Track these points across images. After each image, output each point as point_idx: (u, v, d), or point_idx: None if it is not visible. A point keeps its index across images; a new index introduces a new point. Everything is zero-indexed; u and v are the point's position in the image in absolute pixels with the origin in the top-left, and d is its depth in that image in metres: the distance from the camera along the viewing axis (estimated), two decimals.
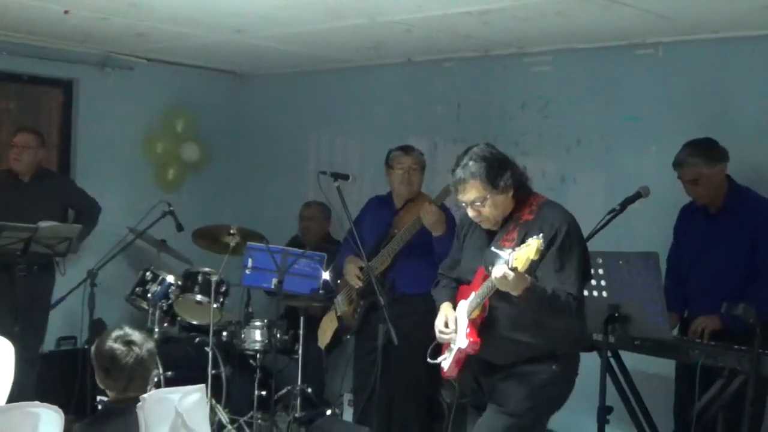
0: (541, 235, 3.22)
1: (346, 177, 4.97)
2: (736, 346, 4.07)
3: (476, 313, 3.54)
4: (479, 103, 6.09)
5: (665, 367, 4.68)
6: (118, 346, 3.30)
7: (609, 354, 4.29)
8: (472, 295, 3.58)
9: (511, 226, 3.56)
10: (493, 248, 3.48)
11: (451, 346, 3.70)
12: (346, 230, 5.30)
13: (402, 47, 6.00)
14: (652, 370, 4.85)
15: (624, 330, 4.20)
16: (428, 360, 3.87)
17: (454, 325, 3.65)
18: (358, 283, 5.14)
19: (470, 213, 3.60)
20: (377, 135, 6.57)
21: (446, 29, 5.29)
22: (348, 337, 5.34)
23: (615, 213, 4.44)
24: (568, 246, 3.46)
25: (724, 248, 4.54)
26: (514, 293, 3.29)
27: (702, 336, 4.42)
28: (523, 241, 3.34)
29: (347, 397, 5.89)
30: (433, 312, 5.22)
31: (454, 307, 3.73)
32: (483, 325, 3.56)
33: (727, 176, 4.58)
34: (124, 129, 7.05)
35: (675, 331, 4.61)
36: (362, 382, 5.24)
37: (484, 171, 3.50)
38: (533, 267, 3.26)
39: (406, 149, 5.26)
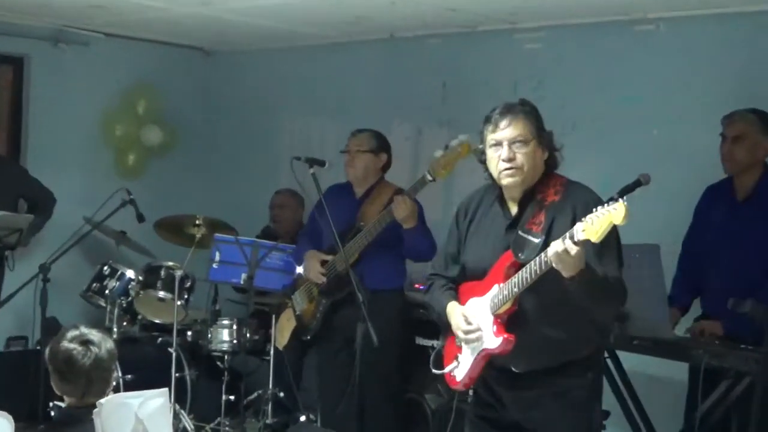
0: (622, 199, 3.03)
1: (322, 163, 4.96)
2: (742, 346, 4.07)
3: (505, 307, 3.36)
4: (466, 83, 6.09)
5: (666, 368, 4.69)
6: (74, 347, 3.25)
7: (606, 354, 4.28)
8: (495, 288, 3.39)
9: (535, 208, 3.40)
10: (521, 233, 3.36)
11: (464, 351, 3.54)
12: (306, 222, 5.27)
13: (384, 22, 5.98)
14: (652, 372, 4.86)
15: (622, 329, 4.19)
16: (433, 370, 3.72)
17: (477, 323, 3.45)
18: (321, 279, 5.11)
19: (503, 154, 3.39)
20: (356, 118, 6.52)
21: (431, 2, 5.28)
22: (308, 337, 5.30)
23: (613, 202, 4.42)
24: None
25: (749, 242, 4.46)
26: (569, 274, 3.12)
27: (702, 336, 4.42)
28: (552, 222, 3.28)
29: None
30: (404, 308, 5.21)
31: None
32: (511, 320, 3.38)
33: (764, 163, 4.53)
34: (79, 110, 7.01)
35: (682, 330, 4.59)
36: (328, 388, 5.24)
37: (535, 113, 3.47)
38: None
39: (356, 132, 5.30)
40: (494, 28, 5.86)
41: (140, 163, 7.35)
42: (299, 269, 5.36)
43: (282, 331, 5.54)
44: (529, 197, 3.45)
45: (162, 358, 5.60)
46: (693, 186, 4.80)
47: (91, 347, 3.26)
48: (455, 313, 3.55)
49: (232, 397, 5.61)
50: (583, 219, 3.06)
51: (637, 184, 4.48)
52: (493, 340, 3.38)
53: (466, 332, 3.47)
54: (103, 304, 5.91)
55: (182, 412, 5.46)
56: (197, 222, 5.60)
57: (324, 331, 5.18)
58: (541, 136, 3.46)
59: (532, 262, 3.23)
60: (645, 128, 5.31)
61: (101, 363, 3.27)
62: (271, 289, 5.54)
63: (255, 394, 5.72)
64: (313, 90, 7.03)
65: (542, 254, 3.19)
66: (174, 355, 5.45)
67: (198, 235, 5.60)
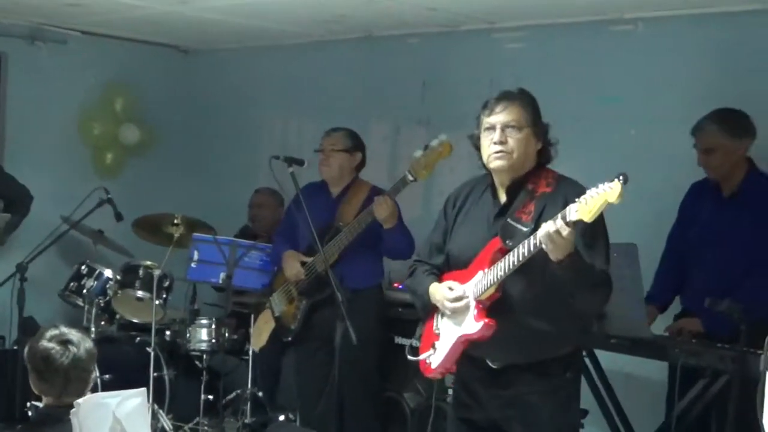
0: (619, 178, 3.00)
1: (300, 162, 4.99)
2: (719, 345, 4.12)
3: (489, 293, 3.33)
4: (445, 82, 6.12)
5: (644, 367, 4.74)
6: (52, 346, 3.27)
7: (584, 353, 4.30)
8: (479, 274, 3.36)
9: (525, 198, 3.41)
10: (509, 220, 3.37)
11: (441, 338, 3.51)
12: (281, 221, 5.28)
13: (362, 20, 6.00)
14: (629, 371, 4.91)
15: (600, 327, 4.22)
16: (408, 357, 3.71)
17: (462, 290, 3.41)
18: (301, 279, 5.13)
19: (495, 137, 3.41)
20: (335, 116, 6.52)
21: (410, 0, 5.30)
22: (289, 339, 5.33)
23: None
24: (597, 220, 3.18)
25: (734, 238, 4.49)
26: (557, 256, 3.12)
27: (679, 335, 4.47)
28: (542, 212, 3.29)
29: None
30: (383, 306, 5.24)
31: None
32: (494, 308, 3.35)
33: (749, 159, 4.56)
34: (57, 109, 7.00)
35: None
36: (307, 388, 5.26)
37: (532, 103, 3.50)
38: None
39: (330, 130, 5.31)
40: (473, 27, 5.89)
41: (118, 162, 7.34)
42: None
43: (260, 334, 5.56)
44: (519, 186, 3.46)
45: (140, 357, 5.61)
46: (671, 186, 4.84)
47: (70, 347, 3.28)
48: (439, 287, 3.53)
49: (210, 397, 5.62)
50: (576, 200, 3.06)
51: None
52: (472, 325, 3.35)
53: (453, 300, 3.42)
54: (81, 304, 5.90)
55: (160, 411, 5.46)
56: (175, 221, 5.61)
57: (303, 332, 5.21)
58: (536, 125, 3.48)
59: (521, 245, 3.22)
60: (623, 128, 5.34)
61: (79, 362, 3.29)
62: (250, 289, 5.56)
63: (234, 394, 5.73)
64: (291, 89, 7.03)
65: (531, 237, 3.18)
66: (152, 354, 5.46)
67: (176, 235, 5.60)
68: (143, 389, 3.53)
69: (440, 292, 3.51)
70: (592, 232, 3.26)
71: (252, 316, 5.62)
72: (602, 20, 5.39)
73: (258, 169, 6.95)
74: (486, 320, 3.32)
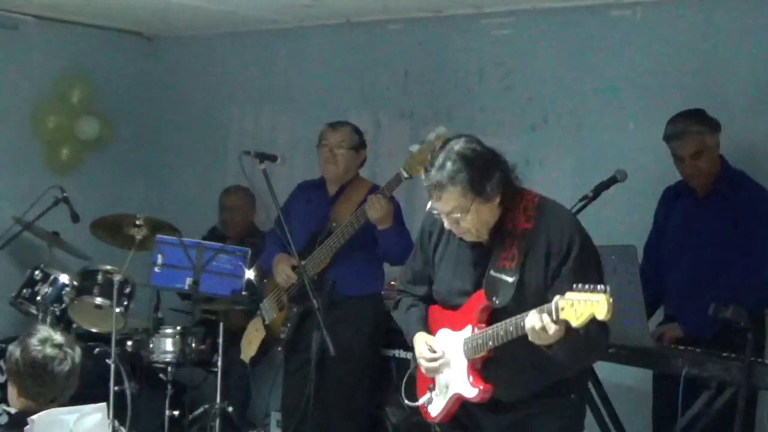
0: (608, 288, 2.98)
1: (273, 158, 4.97)
2: (725, 354, 4.14)
3: (480, 354, 3.40)
4: (430, 72, 6.12)
5: (644, 378, 4.74)
6: (50, 351, 3.42)
7: None
8: (468, 330, 3.41)
9: (507, 240, 3.37)
10: (492, 272, 3.36)
11: (438, 383, 3.57)
12: (274, 221, 5.27)
13: (340, 5, 6.00)
14: (629, 382, 4.92)
15: None
16: (405, 402, 3.74)
17: (441, 350, 3.50)
18: (290, 284, 5.12)
19: (447, 224, 3.40)
20: (310, 109, 6.55)
21: None
22: (279, 348, 5.32)
23: (587, 200, 4.48)
24: (586, 261, 3.29)
25: (710, 238, 4.59)
26: (544, 345, 3.15)
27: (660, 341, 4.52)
28: (526, 257, 3.28)
29: (276, 416, 5.88)
30: (377, 316, 5.23)
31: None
32: (486, 365, 3.42)
33: (720, 156, 4.65)
34: (8, 100, 6.96)
35: None
36: (294, 400, 5.24)
37: (467, 176, 3.28)
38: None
39: (335, 124, 5.29)
40: (459, 12, 5.90)
41: (75, 158, 7.30)
42: (249, 273, 5.36)
43: (250, 342, 5.56)
44: (497, 227, 3.42)
45: (99, 370, 5.57)
46: (671, 182, 4.85)
47: (67, 351, 3.47)
48: (419, 341, 3.59)
49: (176, 413, 5.60)
50: (562, 296, 3.04)
51: (613, 180, 4.56)
52: (469, 390, 3.42)
53: (429, 360, 3.52)
54: (35, 312, 5.87)
55: (122, 428, 5.44)
56: (137, 222, 5.58)
57: (294, 341, 5.19)
58: (480, 194, 3.32)
59: (508, 323, 3.24)
60: (621, 121, 5.36)
61: (77, 369, 3.48)
62: (219, 295, 5.53)
63: (201, 409, 5.71)
64: (263, 79, 7.02)
65: (519, 319, 3.19)
66: (112, 367, 5.42)
67: (138, 237, 5.57)
68: (103, 404, 3.54)
69: (420, 348, 3.58)
70: (581, 280, 3.16)
71: (221, 324, 5.59)
72: (598, 5, 5.41)
73: (227, 165, 6.95)
74: (482, 386, 3.40)
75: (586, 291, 3.00)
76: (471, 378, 3.42)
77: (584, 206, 4.46)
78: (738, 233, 4.53)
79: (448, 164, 3.29)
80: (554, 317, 3.05)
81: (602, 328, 3.21)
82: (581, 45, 5.52)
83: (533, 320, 3.10)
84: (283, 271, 5.14)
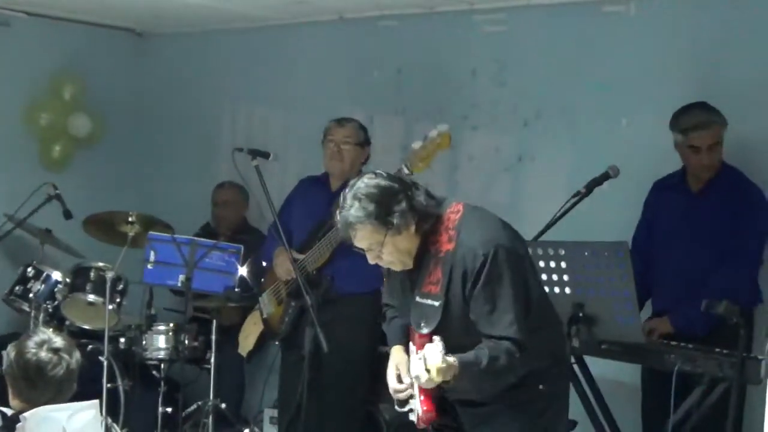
0: (438, 340, 3.09)
1: (266, 155, 4.97)
2: (717, 350, 4.15)
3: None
4: (423, 68, 6.11)
5: (636, 373, 4.76)
6: (45, 355, 3.39)
7: (572, 360, 4.33)
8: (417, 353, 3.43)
9: (431, 263, 3.41)
10: (418, 299, 3.43)
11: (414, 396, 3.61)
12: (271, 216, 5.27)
13: (332, 2, 5.99)
14: (621, 378, 4.93)
15: (590, 332, 4.24)
16: (396, 408, 3.74)
17: (408, 378, 3.51)
18: (289, 278, 5.12)
19: (370, 258, 3.48)
20: (303, 106, 6.55)
21: None
22: (276, 343, 5.31)
23: (580, 196, 4.49)
24: (497, 276, 3.29)
25: (705, 234, 4.59)
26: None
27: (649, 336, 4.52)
28: (449, 280, 3.31)
29: (269, 413, 5.88)
30: (375, 314, 5.23)
31: (407, 350, 3.65)
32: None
33: None
34: (0, 97, 6.93)
35: None
36: (289, 396, 5.24)
37: (373, 211, 3.34)
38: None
39: (342, 120, 5.31)
40: (452, 9, 5.89)
41: (67, 155, 7.29)
42: (242, 269, 5.37)
43: (247, 337, 5.55)
44: (422, 251, 3.46)
45: (92, 367, 5.55)
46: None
47: (63, 356, 3.44)
48: (391, 366, 3.64)
49: (169, 410, 5.59)
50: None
51: (606, 176, 4.58)
52: (418, 408, 3.49)
53: (395, 391, 3.59)
54: (27, 309, 5.85)
55: (114, 426, 5.42)
56: (130, 219, 5.57)
57: (291, 336, 5.18)
58: (390, 226, 3.36)
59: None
60: (613, 118, 5.36)
61: (72, 374, 3.47)
62: (211, 292, 5.53)
63: (194, 406, 5.71)
64: (255, 76, 7.01)
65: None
66: (105, 364, 5.41)
67: (131, 234, 5.56)
68: (95, 401, 3.55)
69: (391, 371, 3.63)
70: (492, 298, 3.25)
71: (214, 321, 5.60)
72: (591, 1, 5.40)
73: (220, 162, 6.93)
74: (425, 407, 3.45)
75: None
76: (422, 396, 3.47)
77: (577, 202, 4.47)
78: (732, 229, 4.53)
79: (355, 204, 3.38)
80: (426, 366, 3.09)
81: (511, 345, 3.26)
82: (574, 41, 5.52)
83: (415, 369, 3.18)
84: (284, 264, 5.15)
